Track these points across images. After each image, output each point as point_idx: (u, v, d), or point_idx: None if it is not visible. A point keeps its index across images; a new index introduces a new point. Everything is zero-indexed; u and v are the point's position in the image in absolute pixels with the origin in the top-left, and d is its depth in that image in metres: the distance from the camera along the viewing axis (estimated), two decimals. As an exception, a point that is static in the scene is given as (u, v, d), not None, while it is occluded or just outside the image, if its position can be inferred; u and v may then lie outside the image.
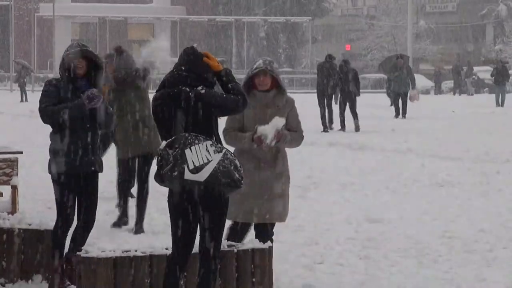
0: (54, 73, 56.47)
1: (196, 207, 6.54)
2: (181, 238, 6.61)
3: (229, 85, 6.49)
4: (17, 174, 10.43)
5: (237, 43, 68.93)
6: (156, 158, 6.52)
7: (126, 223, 10.51)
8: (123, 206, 10.66)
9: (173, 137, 6.41)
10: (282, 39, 70.92)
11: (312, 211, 12.45)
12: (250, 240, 7.54)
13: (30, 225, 8.19)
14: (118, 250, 7.26)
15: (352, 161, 18.29)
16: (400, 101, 29.39)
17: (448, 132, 25.23)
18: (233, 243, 7.60)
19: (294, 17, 69.18)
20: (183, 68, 6.52)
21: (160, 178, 6.40)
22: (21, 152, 10.86)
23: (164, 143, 6.42)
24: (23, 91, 41.86)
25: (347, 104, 24.82)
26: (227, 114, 6.83)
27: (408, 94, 29.77)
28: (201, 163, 6.31)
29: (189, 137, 6.36)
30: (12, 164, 10.51)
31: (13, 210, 9.74)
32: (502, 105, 36.89)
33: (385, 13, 74.53)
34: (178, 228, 6.59)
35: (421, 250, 9.98)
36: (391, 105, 31.64)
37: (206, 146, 6.38)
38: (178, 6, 69.75)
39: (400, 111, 29.26)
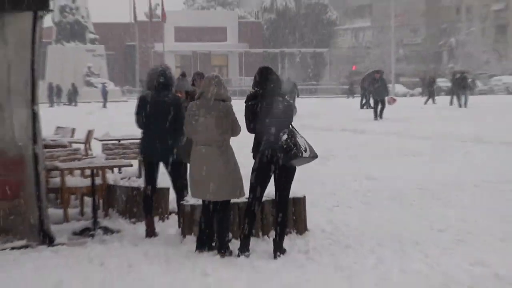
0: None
1: (280, 170, 7.20)
2: (261, 190, 7.35)
3: None
4: (142, 152, 11.09)
5: (281, 67, 76.70)
6: (282, 145, 6.99)
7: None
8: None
9: (286, 131, 7.06)
10: (311, 62, 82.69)
11: (331, 172, 13.72)
12: (292, 192, 7.64)
13: (151, 184, 8.52)
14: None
15: (356, 140, 20.69)
16: (379, 106, 29.79)
17: (420, 120, 28.24)
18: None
19: (318, 49, 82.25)
20: (272, 85, 7.19)
21: (289, 158, 7.01)
22: (144, 138, 11.64)
23: (285, 136, 7.03)
24: None
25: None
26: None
27: (386, 100, 30.98)
28: (305, 145, 7.12)
29: (294, 130, 7.13)
30: (139, 145, 10.39)
31: (139, 175, 10.49)
32: (465, 106, 37.75)
33: (377, 45, 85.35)
34: (259, 184, 7.29)
35: (402, 198, 10.85)
36: (365, 107, 35.73)
37: (299, 134, 7.18)
38: (243, 43, 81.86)
39: (378, 114, 29.73)
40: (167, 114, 8.08)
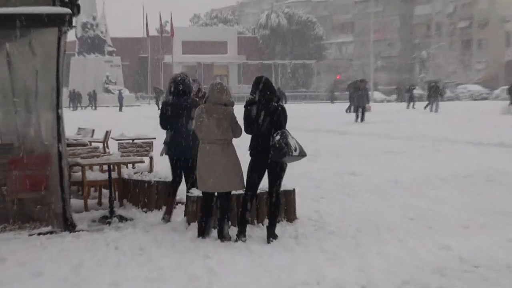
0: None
1: (272, 166, 7.13)
2: (256, 183, 7.29)
3: None
4: (152, 150, 11.51)
5: (275, 76, 77.08)
6: (275, 144, 6.85)
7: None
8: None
9: (279, 132, 6.95)
10: (300, 72, 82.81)
11: (318, 168, 13.62)
12: (283, 185, 7.55)
13: (160, 178, 9.32)
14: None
15: (339, 140, 20.70)
16: (360, 111, 30.16)
17: (397, 123, 28.02)
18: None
19: (306, 60, 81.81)
20: (268, 92, 7.10)
21: (281, 156, 6.89)
22: (155, 138, 11.91)
23: (277, 137, 6.91)
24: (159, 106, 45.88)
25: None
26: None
27: (366, 106, 30.82)
28: (295, 145, 7.04)
29: (286, 132, 7.03)
30: (150, 144, 11.70)
31: (150, 170, 10.73)
32: (436, 111, 38.52)
33: (358, 57, 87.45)
34: (255, 178, 7.25)
35: (380, 191, 10.74)
36: (350, 112, 35.30)
37: (291, 136, 7.13)
38: (242, 55, 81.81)
39: (359, 118, 29.99)
40: (188, 116, 8.10)
